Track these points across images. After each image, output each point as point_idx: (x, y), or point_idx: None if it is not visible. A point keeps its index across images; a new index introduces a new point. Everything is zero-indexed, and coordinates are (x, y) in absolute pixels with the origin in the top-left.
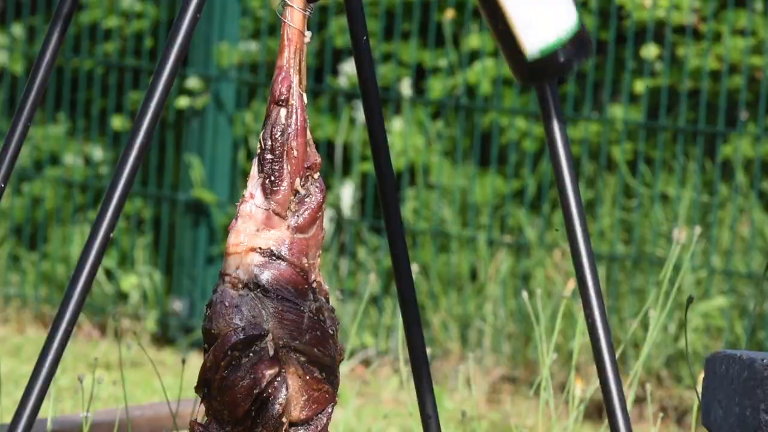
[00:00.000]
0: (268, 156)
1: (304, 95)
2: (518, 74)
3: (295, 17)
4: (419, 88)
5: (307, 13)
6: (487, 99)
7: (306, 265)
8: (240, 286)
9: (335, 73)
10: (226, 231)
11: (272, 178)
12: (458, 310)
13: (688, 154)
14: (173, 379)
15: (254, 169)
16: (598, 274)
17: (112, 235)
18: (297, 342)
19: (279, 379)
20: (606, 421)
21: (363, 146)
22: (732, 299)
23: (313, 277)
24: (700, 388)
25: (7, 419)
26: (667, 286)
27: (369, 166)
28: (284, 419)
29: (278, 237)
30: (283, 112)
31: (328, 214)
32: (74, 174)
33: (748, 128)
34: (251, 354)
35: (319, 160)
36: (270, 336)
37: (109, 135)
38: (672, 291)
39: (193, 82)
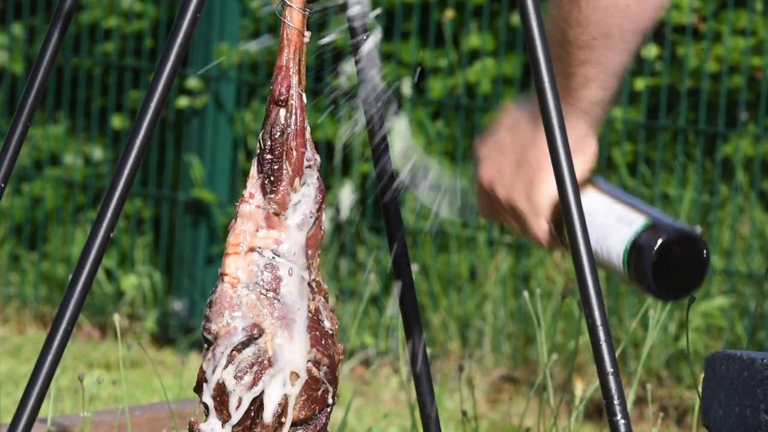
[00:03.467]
0: (268, 156)
1: (304, 95)
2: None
3: (294, 17)
4: (419, 88)
5: (307, 13)
6: (487, 99)
7: (305, 264)
8: (239, 285)
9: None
10: (225, 231)
11: (272, 179)
12: (458, 310)
13: (688, 154)
14: (173, 379)
15: (253, 170)
16: (598, 274)
17: (112, 235)
18: None
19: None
20: (606, 421)
21: (363, 146)
22: (732, 299)
23: (312, 276)
24: (700, 388)
25: (7, 419)
26: None
27: (369, 166)
28: (283, 419)
29: (277, 237)
30: (282, 112)
31: (328, 214)
32: (74, 174)
33: (748, 128)
34: (250, 354)
35: (318, 160)
36: (269, 336)
37: (109, 135)
38: None
39: (193, 82)
